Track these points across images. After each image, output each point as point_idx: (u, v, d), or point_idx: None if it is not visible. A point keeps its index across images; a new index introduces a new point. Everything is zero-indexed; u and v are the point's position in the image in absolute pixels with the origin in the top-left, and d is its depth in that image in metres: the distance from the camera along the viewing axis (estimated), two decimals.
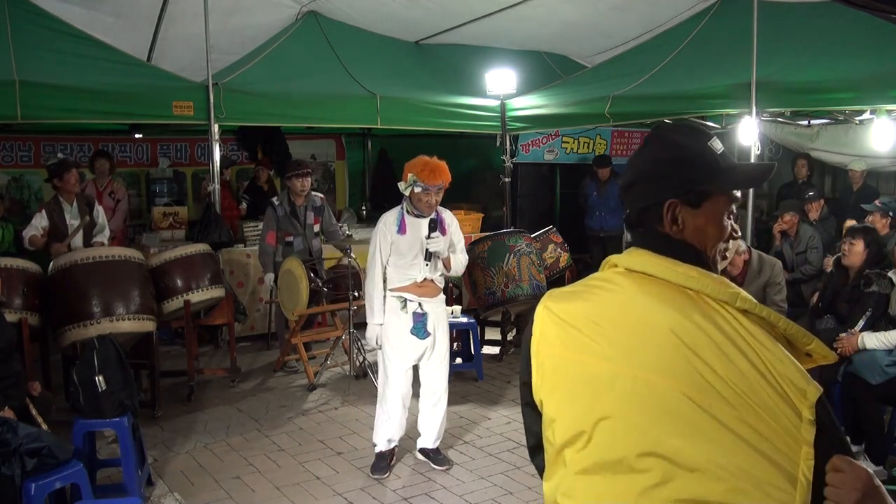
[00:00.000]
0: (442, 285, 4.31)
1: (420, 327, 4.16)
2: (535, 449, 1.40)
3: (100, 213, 6.20)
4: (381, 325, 4.17)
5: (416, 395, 4.36)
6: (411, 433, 4.49)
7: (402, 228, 4.12)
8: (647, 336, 1.20)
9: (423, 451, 4.41)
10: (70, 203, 5.95)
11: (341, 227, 6.93)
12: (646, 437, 1.16)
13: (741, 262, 4.72)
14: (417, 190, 4.02)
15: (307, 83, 7.03)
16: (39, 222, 5.86)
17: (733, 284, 1.25)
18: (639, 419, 1.17)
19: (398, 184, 4.14)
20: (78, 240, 5.91)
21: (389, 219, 4.17)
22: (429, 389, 4.28)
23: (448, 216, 4.29)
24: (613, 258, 1.36)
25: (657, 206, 1.32)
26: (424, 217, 4.12)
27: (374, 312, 4.17)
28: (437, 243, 4.12)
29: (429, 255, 4.11)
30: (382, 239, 4.14)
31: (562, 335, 1.29)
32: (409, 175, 4.03)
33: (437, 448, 4.39)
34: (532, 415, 1.37)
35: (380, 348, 4.26)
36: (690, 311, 1.20)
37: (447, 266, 4.24)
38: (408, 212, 4.15)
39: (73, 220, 5.92)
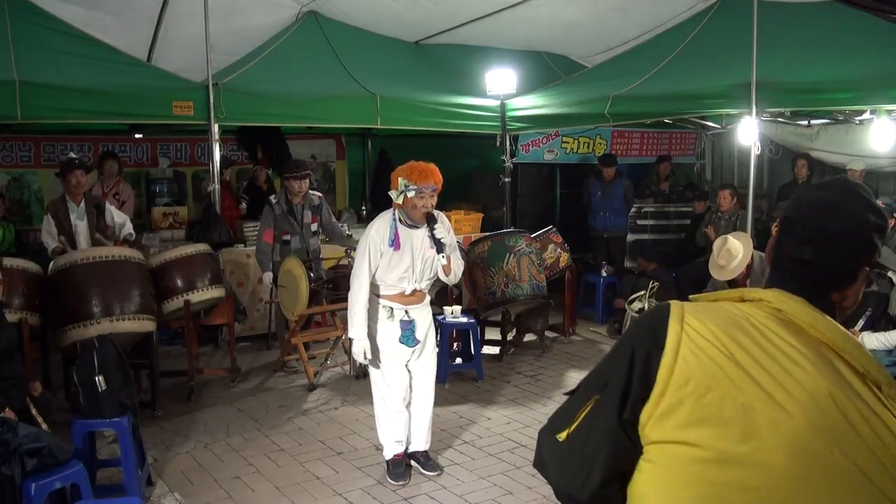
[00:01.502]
0: (428, 292, 4.18)
1: (409, 335, 4.03)
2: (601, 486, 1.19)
3: (111, 212, 6.15)
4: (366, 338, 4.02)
5: None
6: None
7: (395, 243, 3.89)
8: (802, 388, 1.15)
9: (413, 455, 4.28)
10: (77, 203, 5.89)
11: (342, 226, 6.92)
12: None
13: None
14: (411, 194, 3.81)
15: (307, 83, 7.02)
16: (51, 231, 5.77)
17: None
18: (799, 475, 1.11)
19: (389, 192, 3.93)
20: (83, 241, 5.87)
21: (382, 230, 3.93)
22: (417, 389, 4.17)
23: (442, 217, 4.10)
24: (759, 293, 1.27)
25: (852, 271, 1.25)
26: (418, 227, 3.94)
27: (355, 326, 3.96)
28: (444, 234, 3.96)
29: (441, 247, 3.93)
30: (374, 251, 3.90)
31: (705, 361, 1.18)
32: (400, 180, 3.83)
33: (427, 453, 4.28)
34: (609, 434, 1.18)
35: (368, 362, 4.09)
36: (847, 376, 1.17)
37: (447, 269, 4.03)
38: (400, 221, 3.94)
39: (77, 220, 5.87)
